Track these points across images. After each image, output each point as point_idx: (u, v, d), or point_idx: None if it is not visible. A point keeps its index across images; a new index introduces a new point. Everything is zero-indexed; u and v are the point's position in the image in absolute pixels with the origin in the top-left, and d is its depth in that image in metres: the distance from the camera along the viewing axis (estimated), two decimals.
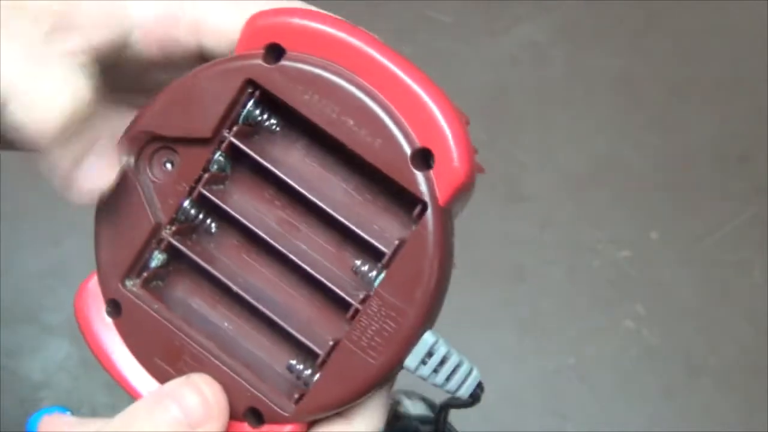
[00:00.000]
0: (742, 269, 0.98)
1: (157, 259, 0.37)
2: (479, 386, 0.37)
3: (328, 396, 0.35)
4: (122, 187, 0.36)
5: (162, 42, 0.36)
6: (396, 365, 0.35)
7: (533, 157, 1.02)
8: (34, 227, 0.96)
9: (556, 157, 1.02)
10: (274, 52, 0.35)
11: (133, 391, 0.37)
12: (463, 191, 0.35)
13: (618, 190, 1.01)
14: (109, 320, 0.37)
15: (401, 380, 0.38)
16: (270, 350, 0.37)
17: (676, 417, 0.92)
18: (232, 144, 0.36)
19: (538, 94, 1.06)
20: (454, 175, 0.34)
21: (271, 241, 0.36)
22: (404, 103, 0.34)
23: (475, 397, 0.37)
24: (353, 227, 0.35)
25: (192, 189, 0.36)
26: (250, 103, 0.36)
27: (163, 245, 0.37)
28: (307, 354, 0.36)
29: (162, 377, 0.36)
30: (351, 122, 0.34)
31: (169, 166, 0.36)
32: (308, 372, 0.36)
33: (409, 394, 0.74)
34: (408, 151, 0.34)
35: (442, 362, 0.35)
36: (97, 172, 0.35)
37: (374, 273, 0.35)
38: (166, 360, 0.36)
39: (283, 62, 0.35)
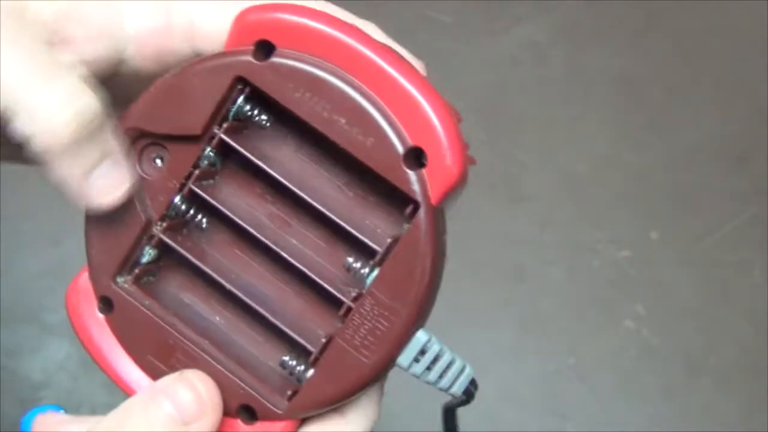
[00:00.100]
0: (742, 269, 0.98)
1: (149, 254, 0.37)
2: (473, 383, 0.37)
3: (321, 393, 0.35)
4: None
5: (157, 53, 0.36)
6: (389, 363, 0.35)
7: (533, 157, 1.02)
8: (34, 227, 0.96)
9: (556, 157, 1.02)
10: (264, 48, 0.35)
11: (127, 388, 0.37)
12: (456, 190, 0.35)
13: (618, 190, 1.01)
14: (101, 317, 0.37)
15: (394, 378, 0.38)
16: (262, 346, 0.37)
17: (676, 417, 0.92)
18: (222, 140, 0.36)
19: (538, 94, 1.06)
20: (446, 174, 0.34)
21: (261, 237, 0.36)
22: (396, 102, 0.34)
23: (468, 395, 0.37)
24: (344, 224, 0.35)
25: (182, 185, 0.36)
26: (240, 99, 0.35)
27: (153, 241, 0.36)
28: (299, 350, 0.36)
29: (155, 374, 0.36)
30: (343, 121, 0.34)
31: (158, 162, 0.36)
32: (301, 368, 0.36)
33: None
34: (400, 150, 0.34)
35: (435, 360, 0.36)
36: (111, 181, 0.35)
37: (366, 270, 0.35)
38: (158, 357, 0.36)
39: (274, 59, 0.35)
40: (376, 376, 0.35)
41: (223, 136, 0.35)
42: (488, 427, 0.87)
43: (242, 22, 0.35)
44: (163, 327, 0.36)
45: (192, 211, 0.37)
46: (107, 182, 0.35)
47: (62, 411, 0.37)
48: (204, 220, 0.37)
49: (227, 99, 0.35)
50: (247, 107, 0.36)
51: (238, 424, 0.36)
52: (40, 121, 0.33)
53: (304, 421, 0.37)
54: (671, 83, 1.06)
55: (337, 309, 0.35)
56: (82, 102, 0.33)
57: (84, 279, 0.37)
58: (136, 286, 0.37)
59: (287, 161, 0.36)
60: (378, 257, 0.35)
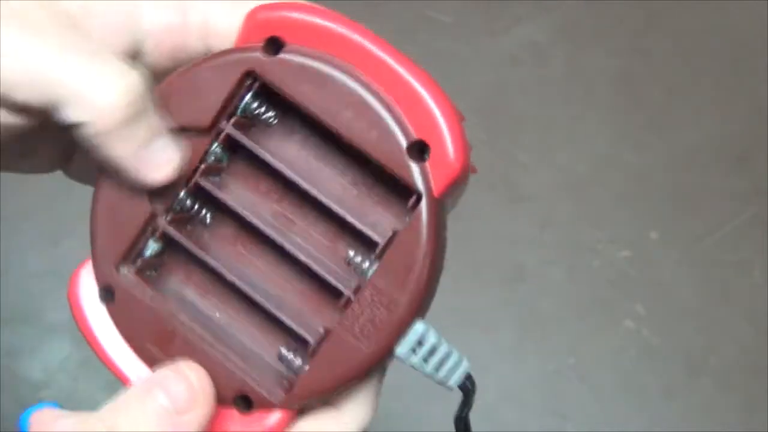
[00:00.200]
0: (742, 269, 0.98)
1: (152, 248, 0.37)
2: (469, 379, 0.37)
3: (318, 382, 0.36)
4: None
5: (172, 50, 0.37)
6: (386, 353, 0.35)
7: (533, 157, 1.02)
8: (34, 227, 0.96)
9: (556, 157, 1.02)
10: (274, 44, 0.36)
11: (123, 377, 0.37)
12: (458, 184, 0.35)
13: (618, 190, 1.01)
14: (101, 306, 0.37)
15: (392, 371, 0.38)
16: (261, 340, 0.38)
17: (676, 417, 0.92)
18: (229, 135, 0.36)
19: (538, 94, 1.06)
20: (449, 168, 0.35)
21: (266, 230, 0.36)
22: (401, 97, 0.35)
23: (465, 390, 0.37)
24: (347, 216, 0.36)
25: (189, 179, 0.36)
26: (249, 95, 0.36)
27: (158, 234, 0.37)
28: (298, 343, 0.37)
29: (153, 362, 0.37)
30: (348, 114, 0.35)
31: None
32: (299, 361, 0.36)
33: None
34: (404, 142, 0.35)
35: (432, 352, 0.36)
36: (165, 155, 0.35)
37: (367, 264, 0.36)
38: (157, 345, 0.37)
39: (283, 54, 0.35)
40: (374, 366, 0.36)
41: (231, 131, 0.36)
42: (488, 427, 0.87)
43: (252, 19, 0.36)
44: (162, 316, 0.37)
45: (197, 206, 0.37)
46: (162, 156, 0.35)
47: (58, 407, 0.38)
48: (208, 215, 0.38)
49: (236, 93, 0.36)
50: (255, 104, 0.36)
51: (235, 413, 0.37)
52: (91, 107, 0.33)
53: (299, 414, 0.37)
54: (671, 83, 1.06)
55: (337, 302, 0.36)
56: (129, 80, 0.34)
57: (86, 269, 0.38)
58: (139, 277, 0.37)
59: (293, 158, 0.37)
60: (379, 249, 0.35)
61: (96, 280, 0.37)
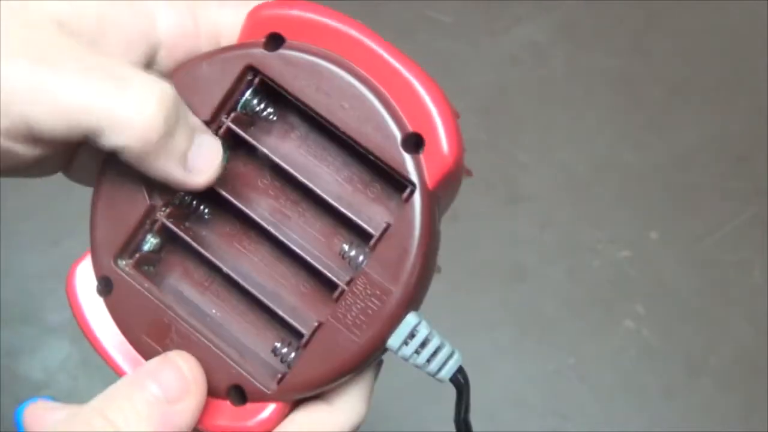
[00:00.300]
0: (742, 269, 0.98)
1: (150, 242, 0.38)
2: (461, 372, 0.37)
3: (311, 374, 0.36)
4: (119, 169, 0.37)
5: (185, 55, 0.37)
6: (379, 344, 0.36)
7: (533, 157, 1.02)
8: (34, 227, 0.96)
9: (556, 157, 1.02)
10: (275, 40, 0.36)
11: (119, 369, 0.38)
12: (451, 178, 0.36)
13: (618, 190, 1.01)
14: (99, 299, 0.38)
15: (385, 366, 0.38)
16: (257, 334, 0.38)
17: (676, 417, 0.92)
18: (229, 130, 0.37)
19: (538, 94, 1.06)
20: (442, 161, 0.35)
21: (263, 224, 0.37)
22: (397, 91, 0.36)
23: (458, 384, 0.37)
24: (343, 209, 0.36)
25: None
26: (249, 91, 0.37)
27: (156, 227, 0.37)
28: (292, 336, 0.37)
29: (148, 354, 0.37)
30: (345, 107, 0.36)
31: None
32: (293, 354, 0.37)
33: None
34: (399, 135, 0.35)
35: (424, 344, 0.36)
36: (207, 155, 0.35)
37: (362, 257, 0.36)
38: (153, 337, 0.37)
39: (283, 50, 0.36)
40: (367, 357, 0.36)
41: (231, 125, 0.36)
42: (488, 427, 0.87)
43: (255, 17, 0.37)
44: (159, 308, 0.37)
45: (195, 201, 0.38)
46: (205, 158, 0.35)
47: (50, 399, 0.38)
48: (206, 210, 0.38)
49: (237, 88, 0.37)
50: (255, 100, 0.37)
51: (228, 405, 0.37)
52: (129, 131, 0.33)
53: (293, 408, 0.37)
54: (671, 83, 1.06)
55: (331, 295, 0.36)
56: (160, 94, 0.34)
57: (84, 263, 0.38)
58: (136, 270, 0.38)
59: (291, 154, 0.37)
60: (373, 241, 0.36)
61: (94, 271, 0.38)
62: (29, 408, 0.37)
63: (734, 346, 0.95)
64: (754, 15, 1.09)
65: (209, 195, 0.37)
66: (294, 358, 0.37)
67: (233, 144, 0.37)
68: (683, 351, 0.94)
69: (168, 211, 0.37)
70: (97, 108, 0.33)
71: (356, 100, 0.35)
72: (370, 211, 0.37)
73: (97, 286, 0.38)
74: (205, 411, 0.36)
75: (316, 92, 0.36)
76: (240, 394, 0.37)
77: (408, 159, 0.35)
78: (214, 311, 0.38)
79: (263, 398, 0.36)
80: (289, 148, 0.37)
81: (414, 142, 0.35)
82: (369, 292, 0.35)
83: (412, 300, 0.36)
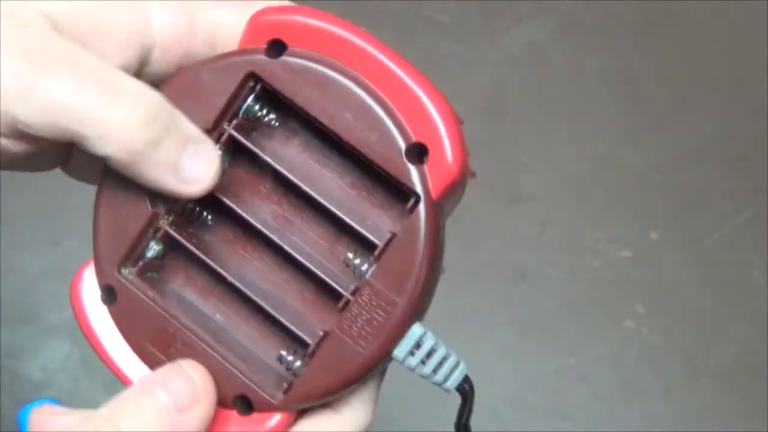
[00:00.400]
0: (742, 269, 0.98)
1: (153, 249, 0.37)
2: (467, 381, 0.37)
3: (317, 384, 0.36)
4: (122, 176, 0.37)
5: (180, 57, 0.37)
6: (385, 355, 0.36)
7: (533, 157, 1.02)
8: (34, 227, 0.96)
9: (556, 157, 1.02)
10: (277, 47, 0.36)
11: (124, 377, 0.38)
12: (456, 188, 0.36)
13: (618, 190, 1.01)
14: (103, 306, 0.38)
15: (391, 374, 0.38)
16: (261, 342, 0.38)
17: (676, 417, 0.92)
18: (231, 137, 0.36)
19: (538, 94, 1.06)
20: (447, 171, 0.35)
21: (266, 231, 0.36)
22: (401, 100, 0.35)
23: (463, 393, 0.37)
24: (346, 218, 0.36)
25: None
26: (251, 97, 0.36)
27: (159, 234, 0.37)
28: (297, 345, 0.37)
29: (153, 363, 0.37)
30: (348, 116, 0.35)
31: None
32: (298, 362, 0.37)
33: None
34: (402, 145, 0.35)
35: (430, 354, 0.36)
36: (201, 163, 0.35)
37: (366, 266, 0.36)
38: (157, 346, 0.37)
39: (285, 57, 0.36)
40: (372, 367, 0.36)
41: (233, 132, 0.36)
42: (488, 427, 0.87)
43: (255, 22, 0.36)
44: (163, 317, 0.37)
45: (198, 208, 0.38)
46: (200, 167, 0.35)
47: (58, 404, 0.38)
48: (209, 217, 0.38)
49: (238, 95, 0.36)
50: (257, 106, 0.37)
51: (234, 414, 0.37)
52: (113, 139, 0.33)
53: (299, 417, 0.37)
54: (671, 83, 1.06)
55: (336, 304, 0.36)
56: (148, 101, 0.34)
57: (88, 270, 0.38)
58: (140, 278, 0.37)
59: (294, 160, 0.37)
60: (378, 251, 0.35)
61: (98, 280, 0.38)
62: (35, 411, 0.37)
63: (734, 346, 0.95)
64: (754, 15, 1.09)
65: (212, 201, 0.37)
66: (299, 366, 0.36)
67: (235, 150, 0.37)
68: (683, 351, 0.95)
69: (171, 218, 0.37)
70: (84, 114, 0.33)
71: (360, 110, 0.35)
72: (373, 218, 0.36)
73: (101, 295, 0.38)
74: (212, 420, 0.36)
75: (319, 101, 0.35)
76: (246, 404, 0.36)
77: (412, 170, 0.35)
78: (218, 316, 0.38)
79: (269, 408, 0.36)
80: (292, 153, 0.37)
81: (418, 152, 0.35)
82: (374, 303, 0.35)
83: (417, 311, 0.35)
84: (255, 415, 0.36)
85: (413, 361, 0.36)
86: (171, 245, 0.38)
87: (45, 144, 0.35)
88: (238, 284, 0.37)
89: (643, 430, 0.92)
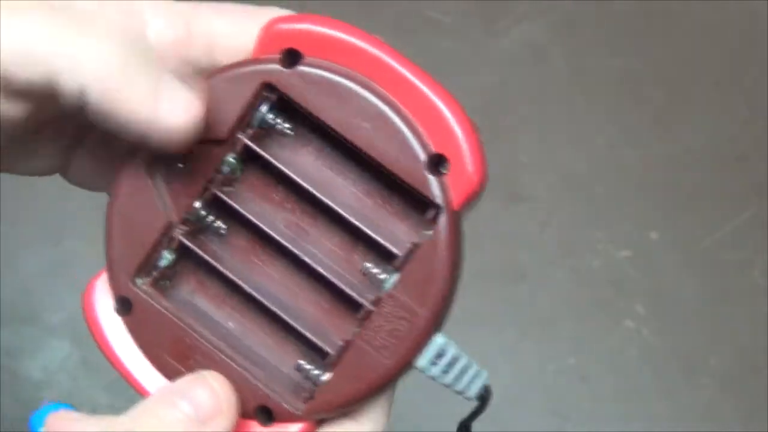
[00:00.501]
0: (742, 269, 0.98)
1: (166, 258, 0.37)
2: (486, 389, 0.37)
3: (340, 394, 0.36)
4: (136, 185, 0.36)
5: (177, 63, 0.36)
6: (408, 365, 0.36)
7: (533, 157, 1.02)
8: (34, 227, 0.96)
9: (556, 157, 1.02)
10: (292, 56, 0.36)
11: (142, 389, 0.37)
12: (476, 197, 0.36)
13: (618, 190, 1.01)
14: (117, 318, 0.37)
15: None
16: (277, 350, 0.38)
17: (676, 417, 0.92)
18: (245, 146, 0.36)
19: (538, 94, 1.06)
20: (467, 181, 0.35)
21: (282, 240, 0.36)
22: (419, 110, 0.35)
23: (482, 400, 0.37)
24: (363, 227, 0.36)
25: (204, 189, 0.36)
26: (265, 107, 0.36)
27: (173, 244, 0.37)
28: (315, 354, 0.37)
29: (172, 375, 0.37)
30: (367, 127, 0.35)
31: (179, 166, 0.37)
32: (317, 372, 0.36)
33: None
34: (423, 156, 0.35)
35: (452, 363, 0.36)
36: (182, 97, 0.34)
37: (385, 276, 0.36)
38: (176, 358, 0.37)
39: (301, 67, 0.35)
40: (395, 377, 0.36)
41: (248, 142, 0.36)
42: (488, 427, 0.87)
43: (270, 31, 0.36)
44: (181, 328, 0.37)
45: (211, 217, 0.37)
46: (177, 106, 0.34)
47: (72, 409, 0.37)
48: (222, 225, 0.38)
49: (253, 105, 0.36)
50: (271, 116, 0.36)
51: (254, 425, 0.37)
52: (87, 68, 0.33)
53: (318, 424, 0.37)
54: (671, 83, 1.06)
55: (354, 313, 0.36)
56: (122, 29, 0.33)
57: (101, 280, 0.38)
58: (154, 288, 0.37)
59: (307, 168, 0.37)
60: (398, 261, 0.35)
61: (112, 292, 0.37)
62: (52, 417, 0.36)
63: (734, 346, 0.95)
64: (754, 15, 1.09)
65: (226, 209, 0.37)
66: (319, 375, 0.36)
67: (247, 158, 0.37)
68: (683, 351, 0.95)
69: (185, 228, 0.37)
70: (60, 49, 0.33)
71: (379, 121, 0.35)
72: (390, 226, 0.36)
73: (115, 306, 0.37)
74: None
75: (337, 112, 0.35)
76: (267, 414, 0.36)
77: (433, 181, 0.35)
78: (231, 325, 0.38)
79: (291, 418, 0.36)
80: (306, 161, 0.37)
81: (438, 163, 0.35)
82: (397, 314, 0.35)
83: (440, 321, 0.36)
84: (275, 425, 0.37)
85: (435, 370, 0.36)
86: (183, 253, 0.37)
87: (34, 101, 0.34)
88: (255, 294, 0.37)
89: (643, 430, 0.92)
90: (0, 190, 0.93)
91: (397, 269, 0.36)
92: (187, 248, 0.37)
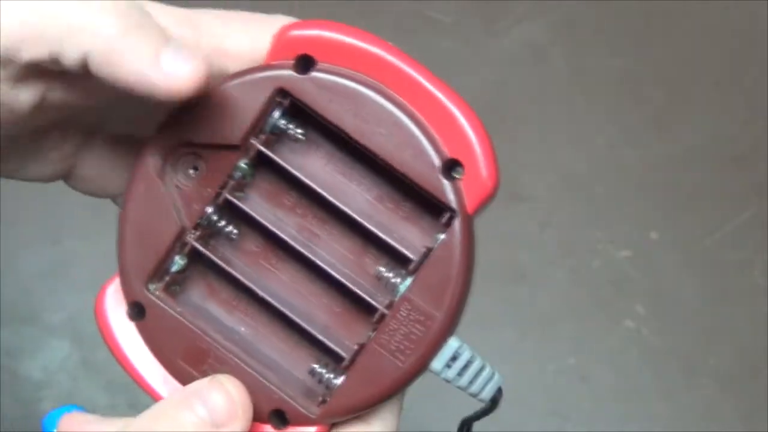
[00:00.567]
0: (742, 269, 0.98)
1: (178, 264, 0.37)
2: (498, 390, 0.38)
3: (355, 398, 0.36)
4: (148, 191, 0.37)
5: None
6: (423, 368, 0.36)
7: (533, 157, 1.02)
8: (34, 227, 0.96)
9: (556, 157, 1.02)
10: (305, 62, 0.36)
11: (155, 394, 0.37)
12: (489, 201, 0.36)
13: (618, 190, 1.01)
14: (129, 323, 0.37)
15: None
16: (290, 355, 0.38)
17: (675, 417, 0.92)
18: (258, 152, 0.36)
19: (538, 94, 1.06)
20: (481, 186, 0.36)
21: (295, 245, 0.37)
22: (433, 116, 0.35)
23: (494, 402, 0.38)
24: (379, 233, 0.36)
25: (217, 195, 0.37)
26: (277, 112, 0.36)
27: (185, 250, 0.37)
28: (329, 358, 0.37)
29: (185, 379, 0.37)
30: (382, 132, 0.35)
31: (192, 171, 0.37)
32: (331, 375, 0.37)
33: None
34: (437, 161, 0.35)
35: (466, 366, 0.37)
36: (182, 59, 0.34)
37: (398, 279, 0.36)
38: (190, 362, 0.37)
39: (315, 73, 0.36)
40: (410, 381, 0.36)
41: (262, 148, 0.36)
42: (488, 427, 0.87)
43: (283, 37, 0.36)
44: (195, 332, 0.37)
45: (223, 222, 0.37)
46: (181, 59, 0.34)
47: (83, 410, 0.38)
48: (234, 231, 0.38)
49: (267, 111, 0.36)
50: (283, 121, 0.37)
51: (269, 429, 0.37)
52: (89, 33, 0.33)
53: (331, 427, 0.37)
54: (671, 83, 1.06)
55: (367, 317, 0.36)
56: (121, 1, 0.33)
57: (112, 286, 0.38)
58: (166, 294, 0.37)
59: (319, 173, 0.37)
60: (413, 265, 0.36)
61: (125, 297, 0.37)
62: (65, 418, 0.37)
63: (734, 346, 0.95)
64: (754, 15, 1.09)
65: (238, 214, 0.37)
66: (333, 380, 0.37)
67: (259, 163, 0.37)
68: (683, 351, 0.95)
69: (198, 233, 0.37)
70: (61, 20, 0.33)
71: (393, 126, 0.35)
72: (401, 231, 0.37)
73: (128, 311, 0.38)
74: None
75: (352, 118, 0.35)
76: (282, 418, 0.37)
77: (448, 185, 0.35)
78: (242, 329, 0.38)
79: (306, 422, 0.36)
80: (317, 165, 0.37)
81: (453, 168, 0.35)
82: (413, 317, 0.36)
83: (454, 324, 0.36)
84: (289, 429, 0.37)
85: (450, 373, 0.37)
86: (194, 258, 0.38)
87: (36, 89, 0.34)
88: (269, 299, 0.37)
89: (643, 430, 0.92)
90: (0, 190, 0.93)
91: (411, 273, 0.36)
92: (197, 253, 0.37)
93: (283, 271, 0.38)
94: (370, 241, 0.37)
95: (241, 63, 0.37)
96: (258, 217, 0.37)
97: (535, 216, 1.00)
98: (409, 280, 0.36)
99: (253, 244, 0.38)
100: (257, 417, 0.36)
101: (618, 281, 0.97)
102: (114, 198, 0.41)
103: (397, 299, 0.36)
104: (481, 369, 0.37)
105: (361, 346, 0.36)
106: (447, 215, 0.36)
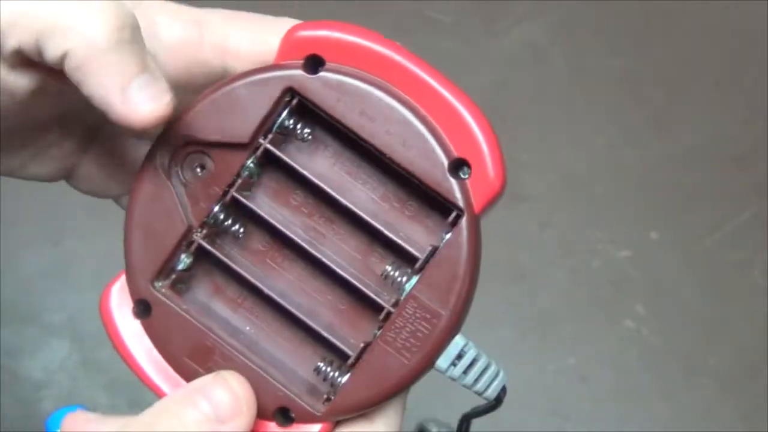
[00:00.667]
0: (742, 269, 0.98)
1: (184, 262, 0.37)
2: (503, 388, 0.38)
3: (360, 395, 0.36)
4: (155, 189, 0.37)
5: (187, 64, 0.37)
6: (429, 366, 0.36)
7: (533, 157, 1.02)
8: (34, 227, 0.96)
9: (556, 157, 1.02)
10: (314, 62, 0.36)
11: (160, 392, 0.37)
12: (496, 201, 0.36)
13: (618, 190, 1.01)
14: (134, 321, 0.38)
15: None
16: (296, 353, 0.38)
17: (675, 417, 0.92)
18: (266, 150, 0.36)
19: (538, 94, 1.06)
20: (489, 185, 0.36)
21: (302, 243, 0.37)
22: (441, 115, 0.36)
23: (498, 400, 0.38)
24: (386, 232, 0.36)
25: (224, 193, 0.37)
26: (285, 112, 0.36)
27: (192, 248, 0.37)
28: (334, 356, 0.37)
29: (191, 376, 0.37)
30: (389, 132, 0.35)
31: (199, 170, 0.37)
32: (336, 373, 0.37)
33: (438, 424, 0.75)
34: (445, 161, 0.35)
35: (471, 364, 0.37)
36: (151, 92, 0.34)
37: (404, 278, 0.36)
38: (195, 360, 0.37)
39: (323, 73, 0.36)
40: (416, 378, 0.36)
41: (269, 146, 0.36)
42: (488, 427, 0.87)
43: (292, 37, 0.37)
44: (201, 330, 0.37)
45: (229, 220, 0.38)
46: (148, 94, 0.33)
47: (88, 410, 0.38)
48: (240, 229, 0.38)
49: (275, 110, 0.36)
50: (290, 121, 0.37)
51: (273, 426, 0.37)
52: (76, 34, 0.33)
53: (335, 425, 0.37)
54: (671, 83, 1.06)
55: (372, 316, 0.36)
56: (117, 10, 0.33)
57: (118, 285, 0.38)
58: (172, 291, 0.38)
59: (325, 172, 0.37)
60: (419, 264, 0.36)
61: (131, 294, 0.37)
62: (69, 418, 0.37)
63: (734, 346, 0.95)
64: (754, 15, 1.09)
65: (244, 213, 0.37)
66: (338, 378, 0.37)
67: (265, 162, 0.37)
68: (683, 351, 0.95)
69: (204, 232, 0.37)
70: (54, 12, 0.33)
71: (401, 126, 0.35)
72: (407, 229, 0.37)
73: (134, 309, 0.38)
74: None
75: (360, 117, 0.36)
76: (286, 416, 0.37)
77: (455, 185, 0.35)
78: (248, 327, 0.38)
79: (311, 419, 0.37)
80: (324, 165, 0.37)
81: (460, 168, 0.36)
82: (419, 315, 0.36)
83: (460, 321, 0.36)
84: (294, 426, 0.37)
85: (456, 371, 0.37)
86: (200, 256, 0.38)
87: (27, 70, 0.34)
88: (275, 297, 0.37)
89: (643, 430, 0.92)
90: (0, 190, 0.93)
91: (417, 272, 0.36)
92: (204, 251, 0.37)
93: (289, 269, 0.38)
94: (377, 239, 0.37)
95: (246, 63, 0.37)
96: (265, 216, 0.37)
97: (535, 216, 1.00)
98: (415, 279, 0.36)
99: (259, 242, 0.38)
100: (262, 414, 0.36)
101: (618, 281, 0.97)
102: (116, 198, 0.41)
103: (403, 297, 0.36)
104: (487, 367, 0.37)
105: (367, 344, 0.36)
106: (454, 214, 0.36)
